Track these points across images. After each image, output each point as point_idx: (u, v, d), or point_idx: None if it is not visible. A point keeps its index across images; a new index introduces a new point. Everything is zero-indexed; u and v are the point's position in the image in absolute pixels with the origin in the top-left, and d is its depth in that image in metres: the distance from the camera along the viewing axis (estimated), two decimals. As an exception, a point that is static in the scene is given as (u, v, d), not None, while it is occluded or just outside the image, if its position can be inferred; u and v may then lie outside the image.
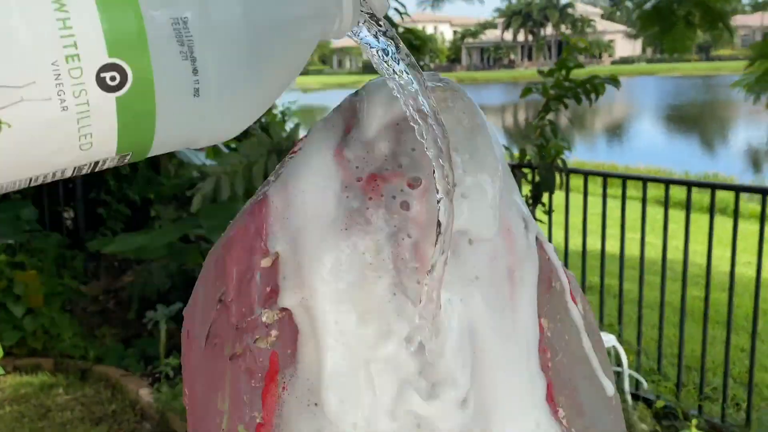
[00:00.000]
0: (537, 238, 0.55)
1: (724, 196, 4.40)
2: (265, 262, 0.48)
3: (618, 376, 3.28)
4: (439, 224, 0.44)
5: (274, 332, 0.47)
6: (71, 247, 4.78)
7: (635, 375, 3.36)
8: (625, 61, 64.02)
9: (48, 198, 5.12)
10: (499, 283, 0.50)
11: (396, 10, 4.04)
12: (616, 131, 24.10)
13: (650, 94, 40.20)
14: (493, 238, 0.50)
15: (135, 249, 3.55)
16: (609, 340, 3.28)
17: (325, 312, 0.46)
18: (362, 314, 0.46)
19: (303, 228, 0.48)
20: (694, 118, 27.28)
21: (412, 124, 0.45)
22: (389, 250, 0.47)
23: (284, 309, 0.47)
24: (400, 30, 3.95)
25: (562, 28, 60.51)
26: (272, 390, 0.46)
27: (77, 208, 5.22)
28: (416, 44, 3.98)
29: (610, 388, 0.58)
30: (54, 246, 4.32)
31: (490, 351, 0.48)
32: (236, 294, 0.48)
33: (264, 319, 0.47)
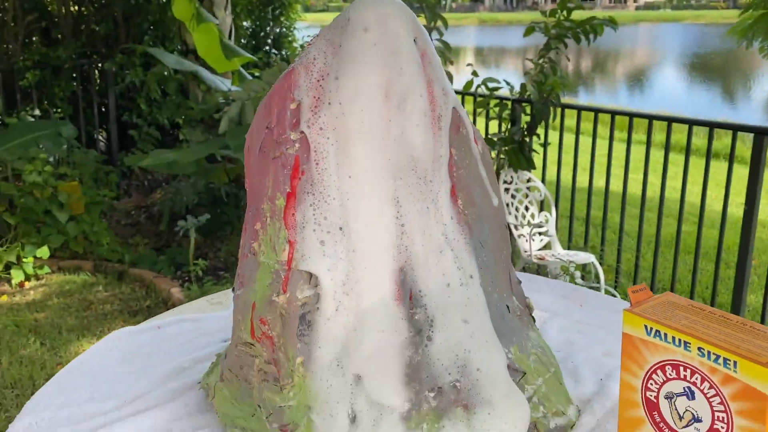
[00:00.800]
0: (454, 107, 0.92)
1: (728, 142, 4.51)
2: (293, 105, 0.86)
3: (595, 291, 3.68)
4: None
5: (296, 145, 0.86)
6: (105, 164, 5.20)
7: (610, 290, 3.75)
8: (650, 6, 62.56)
9: (84, 119, 5.52)
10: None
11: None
12: (638, 78, 23.88)
13: (674, 42, 39.42)
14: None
15: (168, 164, 3.94)
16: (588, 258, 3.67)
17: (318, 135, 0.85)
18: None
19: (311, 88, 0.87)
20: (718, 67, 26.88)
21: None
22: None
23: (302, 132, 0.86)
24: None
25: (589, -30, 58.93)
26: (295, 174, 0.85)
27: (110, 129, 5.61)
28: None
29: (495, 199, 0.97)
30: (92, 161, 4.73)
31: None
32: (276, 123, 0.87)
33: (291, 137, 0.86)
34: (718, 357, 0.63)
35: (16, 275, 4.10)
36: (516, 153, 4.02)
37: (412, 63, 0.86)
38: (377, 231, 0.84)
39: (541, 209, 4.17)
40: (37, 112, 5.28)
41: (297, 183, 0.85)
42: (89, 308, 3.91)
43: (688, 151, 3.56)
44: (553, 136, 4.31)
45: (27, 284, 4.16)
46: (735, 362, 0.61)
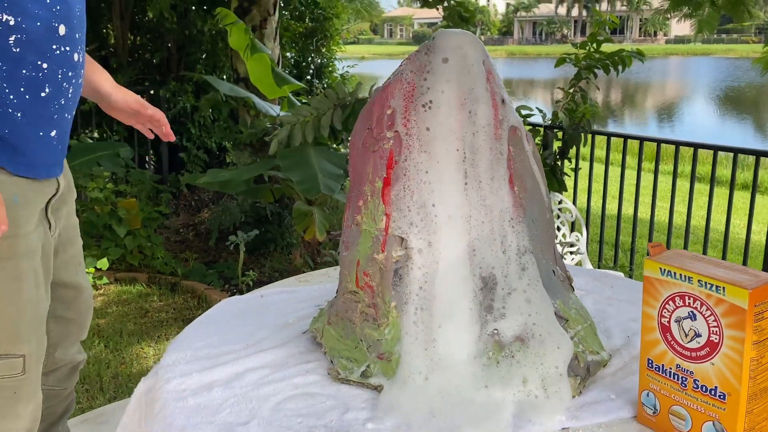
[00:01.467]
0: (512, 114, 1.18)
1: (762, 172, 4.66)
2: (389, 111, 1.13)
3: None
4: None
5: (391, 141, 1.12)
6: (157, 184, 5.54)
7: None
8: (680, 40, 62.70)
9: (137, 142, 5.88)
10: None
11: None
12: (668, 110, 23.95)
13: (705, 75, 39.39)
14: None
15: (222, 182, 4.24)
16: (618, 275, 3.87)
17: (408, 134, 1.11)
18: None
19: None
20: (749, 100, 26.83)
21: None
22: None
23: (396, 131, 1.12)
24: (451, 2, 4.51)
25: (618, 4, 59.35)
26: (390, 164, 1.11)
27: (162, 152, 5.96)
28: (465, 16, 4.54)
29: (543, 186, 1.21)
30: (148, 180, 5.06)
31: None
32: (376, 124, 1.13)
33: (387, 135, 1.12)
34: (712, 286, 0.87)
35: (78, 285, 4.40)
36: (548, 176, 4.27)
37: (481, 80, 1.12)
38: (451, 208, 1.10)
39: (572, 230, 4.39)
40: (95, 134, 5.65)
41: (391, 170, 1.10)
42: (146, 316, 4.19)
43: (713, 176, 3.77)
44: (584, 167, 4.54)
45: (87, 293, 4.46)
46: (724, 288, 0.85)
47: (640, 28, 66.53)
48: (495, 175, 1.12)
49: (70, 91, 1.38)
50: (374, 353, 1.06)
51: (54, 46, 1.31)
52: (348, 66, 7.07)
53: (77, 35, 1.39)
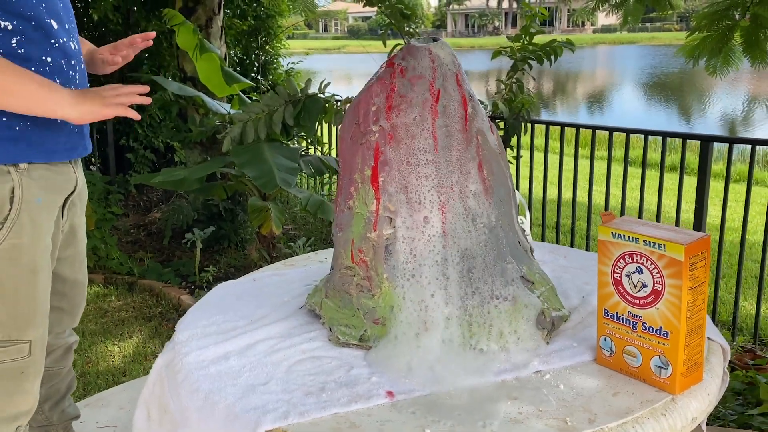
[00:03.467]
0: (478, 108, 1.35)
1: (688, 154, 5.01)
2: (374, 108, 1.28)
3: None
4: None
5: (376, 134, 1.28)
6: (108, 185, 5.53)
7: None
8: (607, 29, 64.67)
9: (84, 144, 5.86)
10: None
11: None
12: (597, 99, 24.72)
13: (631, 63, 40.74)
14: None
15: (177, 181, 4.30)
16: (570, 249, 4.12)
17: (391, 127, 1.27)
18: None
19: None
20: (674, 87, 27.88)
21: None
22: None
23: (380, 125, 1.28)
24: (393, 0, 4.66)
25: (547, -5, 60.72)
26: (377, 154, 1.27)
27: (108, 153, 5.95)
28: (407, 13, 4.71)
29: (506, 170, 1.39)
30: (100, 181, 5.07)
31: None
32: (363, 119, 1.29)
33: (373, 129, 1.28)
34: (655, 244, 1.06)
35: (34, 288, 4.40)
36: (493, 164, 4.48)
37: (452, 80, 1.29)
38: (431, 191, 1.26)
39: (517, 214, 4.63)
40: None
41: (378, 159, 1.26)
42: (106, 315, 4.23)
43: (644, 160, 4.05)
44: (525, 155, 4.78)
45: (44, 296, 4.47)
46: (664, 245, 1.05)
47: (568, 19, 68.22)
48: (466, 162, 1.29)
49: (77, 77, 1.51)
50: (370, 319, 1.22)
51: (52, 41, 1.43)
52: (292, 63, 7.17)
53: (67, 25, 1.51)
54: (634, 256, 1.09)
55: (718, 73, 5.61)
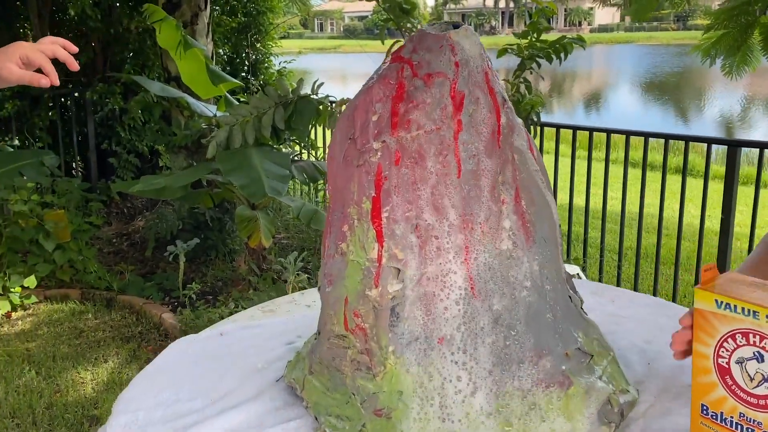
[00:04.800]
0: (512, 116, 1.02)
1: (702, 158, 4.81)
2: (375, 117, 0.95)
3: (581, 300, 3.80)
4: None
5: (379, 153, 0.94)
6: (87, 192, 5.19)
7: (596, 300, 3.87)
8: (603, 29, 64.40)
9: (63, 148, 5.50)
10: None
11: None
12: (594, 98, 24.47)
13: (628, 62, 40.52)
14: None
15: (158, 189, 3.96)
16: (574, 269, 3.79)
17: (398, 143, 0.94)
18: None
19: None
20: (671, 86, 27.69)
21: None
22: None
23: (384, 141, 0.94)
24: (392, -5, 4.33)
25: (544, -6, 60.54)
26: (379, 180, 0.93)
27: (90, 158, 5.60)
28: (406, 8, 4.37)
29: (550, 197, 1.06)
30: (77, 189, 4.72)
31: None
32: (360, 133, 0.95)
33: (374, 146, 0.94)
34: (788, 321, 0.72)
35: (3, 306, 4.07)
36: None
37: (479, 78, 0.96)
38: (452, 229, 0.93)
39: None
40: (16, 142, 5.25)
41: (381, 188, 0.92)
42: (81, 336, 3.89)
43: (665, 162, 3.74)
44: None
45: (14, 315, 4.12)
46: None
47: (565, 18, 67.97)
48: (500, 189, 0.95)
49: None
50: (370, 409, 0.89)
51: None
52: (285, 62, 6.82)
53: None
54: (751, 336, 0.76)
55: (734, 73, 5.30)
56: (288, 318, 1.27)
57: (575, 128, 4.24)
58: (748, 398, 0.78)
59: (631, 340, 1.16)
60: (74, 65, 1.20)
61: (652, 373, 1.04)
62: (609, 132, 4.02)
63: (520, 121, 1.02)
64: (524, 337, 0.90)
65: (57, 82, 1.18)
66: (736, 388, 0.78)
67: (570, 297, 0.99)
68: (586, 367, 0.91)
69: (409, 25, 4.32)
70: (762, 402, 0.77)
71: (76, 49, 1.24)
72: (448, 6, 71.88)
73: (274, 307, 1.36)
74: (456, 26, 0.99)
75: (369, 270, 0.90)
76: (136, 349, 3.71)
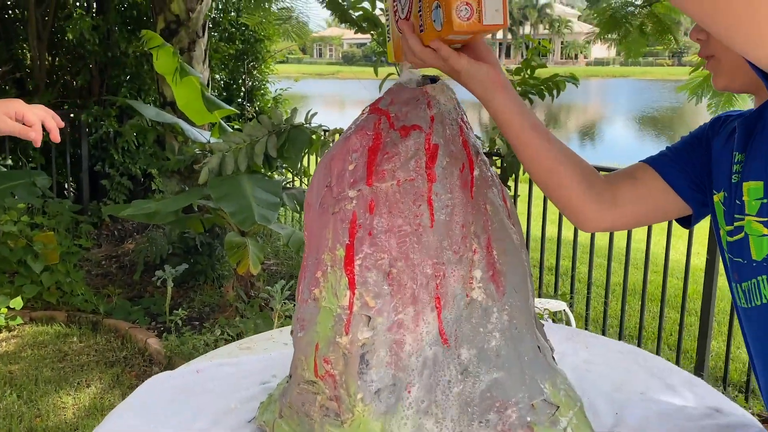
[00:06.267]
0: (486, 166, 1.04)
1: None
2: (351, 167, 0.97)
3: (566, 336, 3.81)
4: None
5: (354, 201, 0.96)
6: (78, 215, 5.20)
7: (582, 336, 3.88)
8: (599, 62, 65.12)
9: (56, 169, 5.52)
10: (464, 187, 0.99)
11: (382, 10, 4.49)
12: (589, 131, 24.68)
13: (623, 96, 40.94)
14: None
15: (148, 214, 3.97)
16: (560, 305, 3.81)
17: (373, 193, 0.96)
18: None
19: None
20: (665, 121, 27.97)
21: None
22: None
23: (359, 190, 0.96)
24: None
25: (540, 28, 61.34)
26: (353, 227, 0.95)
27: (82, 179, 5.62)
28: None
29: (522, 248, 1.08)
30: (67, 211, 4.73)
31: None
32: (336, 182, 0.97)
33: (350, 194, 0.96)
34: None
35: (-12, 326, 4.05)
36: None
37: (454, 131, 0.98)
38: (423, 279, 0.95)
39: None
40: (9, 162, 5.27)
41: (355, 236, 0.95)
42: (64, 359, 3.87)
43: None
44: (522, 189, 4.50)
45: (-1, 336, 4.11)
46: None
47: (561, 51, 68.72)
48: (472, 239, 0.98)
49: None
50: (338, 454, 0.90)
51: None
52: (280, 89, 6.88)
53: None
54: None
55: (720, 112, 5.37)
56: (264, 356, 1.28)
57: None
58: None
59: (601, 387, 1.17)
60: (57, 138, 1.30)
61: (620, 423, 1.06)
62: (597, 169, 4.06)
63: (494, 172, 1.05)
64: (491, 387, 0.91)
65: (57, 139, 1.26)
66: None
67: (539, 347, 1.01)
68: (551, 418, 0.93)
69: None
70: None
71: (62, 124, 1.35)
72: (446, 36, 72.35)
73: (252, 344, 1.37)
74: (433, 80, 1.02)
75: (340, 317, 0.92)
76: (120, 374, 3.70)
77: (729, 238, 0.96)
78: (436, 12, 0.84)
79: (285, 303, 3.75)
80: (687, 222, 1.11)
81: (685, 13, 0.75)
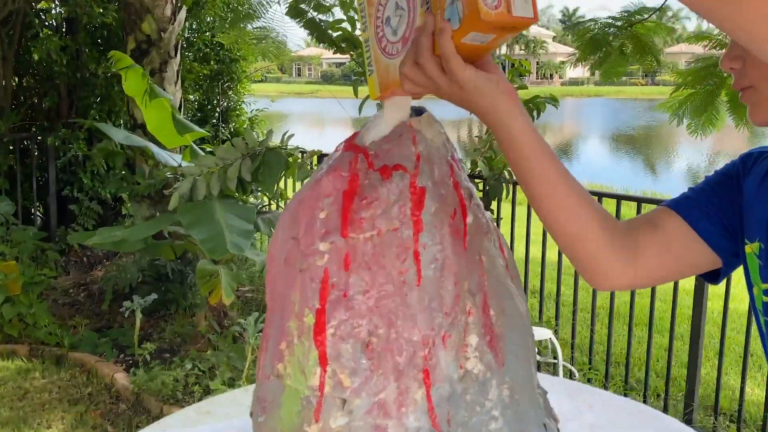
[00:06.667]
0: (481, 212, 0.90)
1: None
2: (322, 215, 0.82)
3: (553, 367, 3.67)
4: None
5: (326, 256, 0.81)
6: (44, 241, 4.98)
7: (568, 366, 3.75)
8: (574, 82, 65.82)
9: (22, 194, 5.30)
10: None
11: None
12: (565, 151, 24.83)
13: (598, 116, 41.35)
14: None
15: (117, 242, 3.78)
16: (546, 334, 3.67)
17: (349, 246, 0.81)
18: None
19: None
20: (639, 140, 28.23)
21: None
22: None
23: (332, 242, 0.81)
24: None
25: (516, 48, 61.92)
26: (325, 288, 0.80)
27: (49, 204, 5.41)
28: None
29: (522, 305, 0.93)
30: (31, 238, 4.52)
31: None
32: (304, 233, 0.82)
33: (321, 248, 0.81)
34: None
35: (-56, 363, 3.82)
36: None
37: (444, 171, 0.84)
38: (409, 349, 0.79)
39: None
40: (-28, 187, 5.06)
41: (327, 299, 0.79)
42: (25, 397, 3.65)
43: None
44: (505, 209, 4.36)
45: (-45, 372, 3.88)
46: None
47: (537, 71, 69.37)
48: (465, 298, 0.83)
49: None
50: None
51: None
52: (257, 109, 6.72)
53: None
54: None
55: (700, 133, 5.32)
56: (225, 425, 1.12)
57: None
58: None
59: (613, 460, 1.03)
60: None
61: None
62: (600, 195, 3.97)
63: (489, 216, 0.90)
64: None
65: None
66: None
67: (545, 425, 0.86)
68: None
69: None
70: None
71: None
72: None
73: (212, 407, 1.21)
74: (418, 112, 0.87)
75: (309, 400, 0.76)
76: (84, 412, 3.49)
77: (765, 298, 0.82)
78: (452, 8, 0.69)
79: (259, 336, 3.56)
80: (714, 276, 0.95)
81: (713, 23, 0.62)
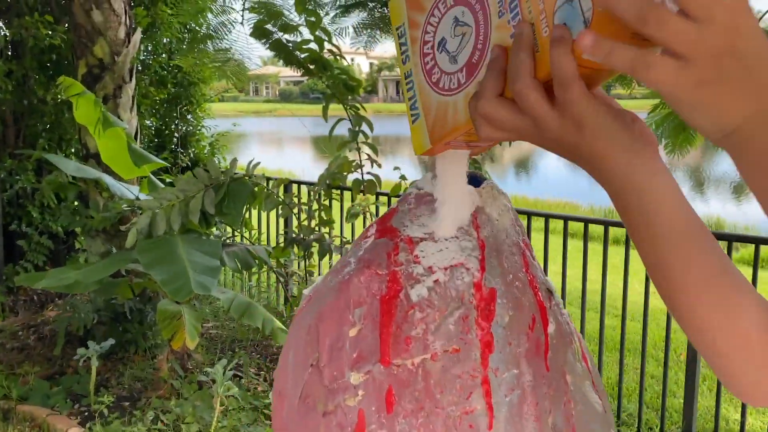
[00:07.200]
0: (563, 311, 0.66)
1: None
2: (353, 332, 0.58)
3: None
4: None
5: (360, 392, 0.57)
6: (-11, 281, 4.62)
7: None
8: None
9: (-36, 230, 4.94)
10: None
11: (330, 51, 4.15)
12: (524, 165, 25.01)
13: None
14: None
15: (68, 285, 3.47)
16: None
17: (392, 376, 0.57)
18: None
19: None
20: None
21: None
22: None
23: (368, 371, 0.57)
24: (336, 71, 4.06)
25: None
26: (361, 440, 0.56)
27: (-5, 240, 5.04)
28: (352, 85, 4.10)
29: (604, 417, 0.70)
30: (-26, 280, 4.16)
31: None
32: (329, 359, 0.58)
33: (352, 381, 0.57)
34: None
35: None
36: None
37: (515, 263, 0.61)
38: None
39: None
40: None
41: (363, 453, 0.55)
42: (-33, 461, 3.30)
43: (605, 246, 3.56)
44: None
45: None
46: None
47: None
48: (549, 437, 0.60)
49: None
50: None
51: None
52: (217, 133, 6.43)
53: None
54: None
55: (677, 152, 5.25)
56: None
57: (529, 214, 4.01)
58: None
59: None
60: None
61: None
62: (586, 222, 3.83)
63: (566, 314, 0.67)
64: None
65: None
66: None
67: None
68: None
69: (350, 100, 4.08)
70: None
71: None
72: (382, 73, 73.23)
73: None
74: (475, 179, 0.64)
75: None
76: (34, 477, 3.15)
77: None
78: (570, 7, 0.45)
79: (229, 385, 3.28)
80: None
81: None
